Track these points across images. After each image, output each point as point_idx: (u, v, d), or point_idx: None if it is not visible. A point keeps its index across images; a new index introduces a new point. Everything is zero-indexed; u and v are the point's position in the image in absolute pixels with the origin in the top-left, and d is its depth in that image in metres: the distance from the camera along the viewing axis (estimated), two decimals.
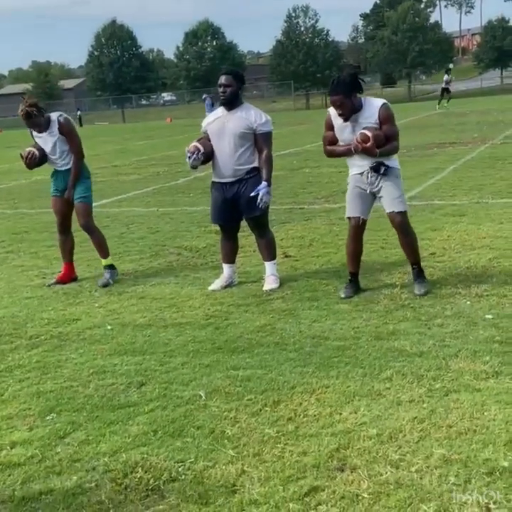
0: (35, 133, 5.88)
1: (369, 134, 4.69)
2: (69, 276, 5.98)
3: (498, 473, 2.64)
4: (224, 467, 2.84)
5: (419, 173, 11.30)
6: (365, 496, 2.57)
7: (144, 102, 78.21)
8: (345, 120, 4.83)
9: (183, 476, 2.80)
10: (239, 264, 6.20)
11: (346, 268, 5.27)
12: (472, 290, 4.88)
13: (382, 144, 4.77)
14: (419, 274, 5.08)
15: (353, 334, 4.23)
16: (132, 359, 4.10)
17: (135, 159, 18.65)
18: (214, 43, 74.70)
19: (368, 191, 4.95)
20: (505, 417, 3.06)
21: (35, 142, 5.91)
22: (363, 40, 78.73)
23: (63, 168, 5.91)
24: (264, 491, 2.65)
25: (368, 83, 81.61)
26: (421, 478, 2.65)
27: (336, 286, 5.22)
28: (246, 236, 7.45)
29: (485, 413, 3.12)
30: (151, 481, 2.77)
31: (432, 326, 4.27)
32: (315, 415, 3.23)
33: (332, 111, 4.92)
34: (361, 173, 4.93)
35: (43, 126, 5.77)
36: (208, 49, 74.45)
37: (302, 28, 71.75)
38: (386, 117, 4.82)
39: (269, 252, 5.50)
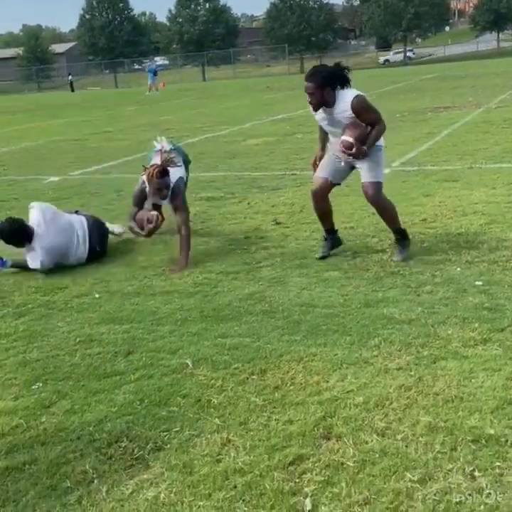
0: None
1: (351, 140, 4.69)
2: None
3: (483, 440, 2.64)
4: (209, 436, 2.83)
5: (413, 138, 11.21)
6: (350, 464, 2.57)
7: (136, 66, 77.28)
8: (314, 109, 4.86)
9: (168, 445, 2.79)
10: (229, 231, 6.16)
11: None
12: (463, 257, 4.85)
13: (366, 137, 4.75)
14: (399, 241, 5.06)
15: (342, 302, 4.20)
16: (120, 328, 4.07)
17: (127, 124, 18.45)
18: (207, 6, 73.65)
19: (342, 163, 4.97)
20: (492, 385, 3.04)
21: None
22: (358, 2, 77.43)
23: None
24: (249, 459, 2.64)
25: (363, 47, 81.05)
26: (406, 446, 2.64)
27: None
28: (235, 203, 7.40)
29: (472, 380, 3.10)
30: (136, 451, 2.76)
31: (422, 292, 4.24)
32: (302, 383, 3.21)
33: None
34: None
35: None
36: (201, 12, 73.36)
37: None
38: (359, 109, 4.75)
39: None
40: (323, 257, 5.08)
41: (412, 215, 6.16)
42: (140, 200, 5.52)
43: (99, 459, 2.73)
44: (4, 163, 12.37)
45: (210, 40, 70.92)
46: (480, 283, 4.31)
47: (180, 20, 72.73)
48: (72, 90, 56.22)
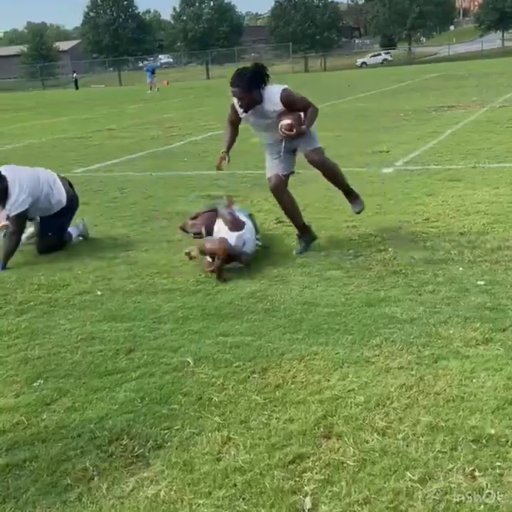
0: None
1: (289, 121, 4.90)
2: None
3: (484, 440, 2.63)
4: (210, 434, 2.83)
5: (417, 137, 11.19)
6: (351, 463, 2.56)
7: (141, 64, 77.30)
8: (245, 111, 5.04)
9: (169, 443, 2.79)
10: None
11: (339, 234, 5.23)
12: (465, 256, 4.85)
13: (301, 120, 4.99)
14: (349, 194, 5.46)
15: (344, 301, 4.20)
16: (121, 325, 4.07)
17: (130, 122, 18.46)
18: (211, 4, 73.57)
19: (281, 154, 5.17)
20: (493, 384, 3.04)
21: None
22: (363, 0, 77.31)
23: None
24: (250, 458, 2.64)
25: (367, 46, 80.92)
26: (407, 446, 2.64)
27: (329, 252, 5.18)
28: (238, 202, 7.39)
29: (473, 380, 3.10)
30: (137, 448, 2.76)
31: (424, 292, 4.24)
32: (303, 382, 3.21)
33: (235, 98, 5.10)
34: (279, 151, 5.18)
35: None
36: (206, 10, 73.30)
37: None
38: (290, 101, 4.97)
39: None
40: (300, 253, 5.25)
41: (415, 214, 6.16)
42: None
43: (99, 456, 2.73)
44: (8, 160, 12.37)
45: (214, 38, 70.87)
46: (482, 283, 4.30)
47: (185, 18, 72.70)
48: (77, 88, 56.29)
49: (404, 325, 3.76)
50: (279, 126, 4.93)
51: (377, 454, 2.60)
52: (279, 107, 4.95)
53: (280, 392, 3.13)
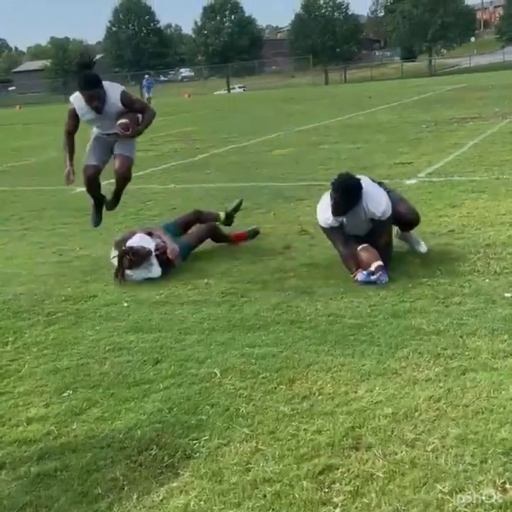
0: None
1: (126, 121, 5.36)
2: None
3: None
4: (238, 445, 2.84)
5: (439, 148, 11.16)
6: (380, 474, 2.56)
7: (162, 77, 77.96)
8: (99, 112, 5.41)
9: (198, 454, 2.81)
10: (255, 241, 6.17)
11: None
12: (491, 268, 4.82)
13: (137, 121, 5.47)
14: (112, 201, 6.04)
15: (370, 312, 4.20)
16: (148, 336, 4.11)
17: (153, 135, 18.59)
18: (232, 18, 74.07)
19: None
20: None
21: None
22: (383, 13, 77.39)
23: None
24: (278, 469, 2.65)
25: (388, 58, 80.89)
26: (436, 458, 2.63)
27: None
28: (261, 213, 7.42)
29: (502, 392, 3.08)
30: (166, 458, 2.78)
31: (450, 304, 4.22)
32: (330, 393, 3.21)
33: (76, 103, 5.50)
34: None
35: None
36: (226, 24, 73.81)
37: (321, 2, 70.91)
38: (129, 101, 5.47)
39: None
40: (96, 224, 6.10)
41: (440, 225, 6.14)
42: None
43: (129, 466, 2.76)
44: (34, 173, 12.54)
45: (235, 51, 71.31)
46: (509, 295, 4.28)
47: (206, 32, 73.27)
48: None
49: (430, 337, 3.75)
50: (117, 124, 5.36)
51: (406, 466, 2.60)
52: (119, 104, 5.40)
53: (307, 404, 3.14)
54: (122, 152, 5.63)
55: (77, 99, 5.50)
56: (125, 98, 5.44)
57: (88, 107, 5.42)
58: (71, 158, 5.69)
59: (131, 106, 5.47)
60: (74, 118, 5.57)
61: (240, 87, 64.33)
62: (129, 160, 5.70)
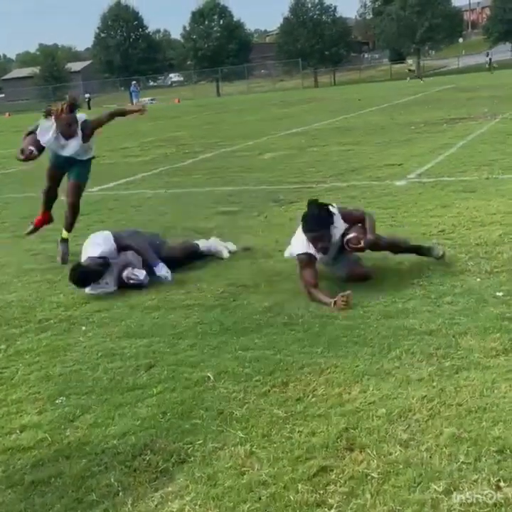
0: None
1: (355, 234, 4.71)
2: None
3: (508, 451, 2.62)
4: (233, 448, 2.84)
5: (429, 149, 11.21)
6: (375, 475, 2.56)
7: (151, 83, 77.92)
8: (324, 253, 4.74)
9: (192, 458, 2.80)
10: (247, 245, 6.17)
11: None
12: (482, 267, 4.84)
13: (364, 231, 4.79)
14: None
15: (362, 313, 4.20)
16: (140, 341, 4.10)
17: (143, 141, 18.60)
18: (221, 22, 74.05)
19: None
20: None
21: None
22: (371, 16, 77.60)
23: None
24: (273, 471, 2.65)
25: (376, 60, 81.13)
26: (430, 457, 2.64)
27: None
28: (252, 217, 7.43)
29: (495, 391, 3.09)
30: (160, 463, 2.78)
31: (442, 303, 4.23)
32: (323, 395, 3.21)
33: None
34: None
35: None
36: (215, 28, 73.81)
37: (309, 5, 71.09)
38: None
39: None
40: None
41: (430, 226, 6.16)
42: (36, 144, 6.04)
43: (123, 472, 2.75)
44: (24, 180, 12.50)
45: (224, 56, 71.34)
46: (500, 294, 4.29)
47: (195, 36, 73.22)
48: (89, 108, 56.82)
49: (423, 336, 3.75)
50: (345, 241, 4.73)
51: (401, 466, 2.60)
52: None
53: (301, 406, 3.14)
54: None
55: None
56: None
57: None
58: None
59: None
60: None
61: (150, 100, 57.00)
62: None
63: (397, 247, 5.03)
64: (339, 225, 4.75)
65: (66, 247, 6.20)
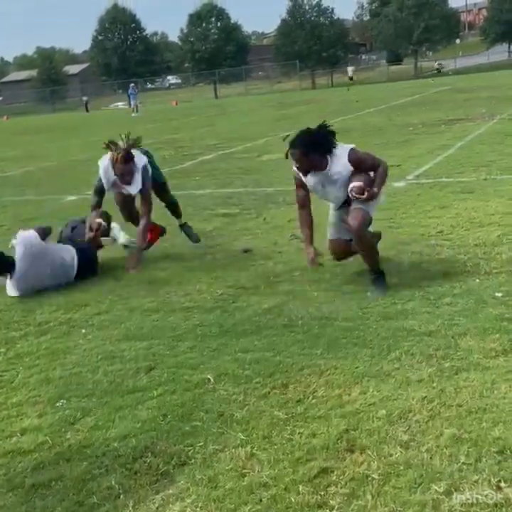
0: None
1: (361, 184, 4.58)
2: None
3: (508, 451, 2.63)
4: (233, 450, 2.84)
5: (427, 150, 11.22)
6: (375, 476, 2.57)
7: (149, 85, 77.93)
8: (304, 175, 4.73)
9: (193, 460, 2.80)
10: (246, 247, 6.18)
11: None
12: (481, 268, 4.85)
13: (372, 182, 4.67)
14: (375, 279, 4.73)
15: (361, 315, 4.21)
16: (140, 344, 4.10)
17: (142, 143, 18.58)
18: (218, 24, 74.03)
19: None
20: None
21: None
22: (369, 17, 77.66)
23: None
24: (274, 473, 2.65)
25: (374, 61, 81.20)
26: (431, 458, 2.64)
27: (344, 267, 5.19)
28: (251, 218, 7.44)
29: (495, 391, 3.10)
30: (161, 466, 2.78)
31: (441, 304, 4.24)
32: (324, 397, 3.22)
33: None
34: None
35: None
36: (212, 30, 73.79)
37: (307, 7, 71.11)
38: (357, 162, 4.67)
39: None
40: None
41: (429, 226, 6.17)
42: (101, 196, 5.74)
43: (124, 474, 2.75)
44: (23, 183, 12.50)
45: (221, 58, 71.33)
46: (499, 294, 4.30)
47: (192, 39, 73.17)
48: (87, 110, 56.85)
49: (422, 338, 3.76)
50: (351, 188, 4.59)
51: (401, 467, 2.60)
52: (346, 171, 4.65)
53: (301, 407, 3.14)
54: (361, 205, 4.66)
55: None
56: (354, 160, 4.67)
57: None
58: (309, 240, 4.81)
59: (363, 165, 4.72)
60: (300, 186, 4.88)
61: (123, 105, 58.06)
62: (368, 215, 4.69)
63: (366, 247, 4.64)
64: (340, 164, 4.62)
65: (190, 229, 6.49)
